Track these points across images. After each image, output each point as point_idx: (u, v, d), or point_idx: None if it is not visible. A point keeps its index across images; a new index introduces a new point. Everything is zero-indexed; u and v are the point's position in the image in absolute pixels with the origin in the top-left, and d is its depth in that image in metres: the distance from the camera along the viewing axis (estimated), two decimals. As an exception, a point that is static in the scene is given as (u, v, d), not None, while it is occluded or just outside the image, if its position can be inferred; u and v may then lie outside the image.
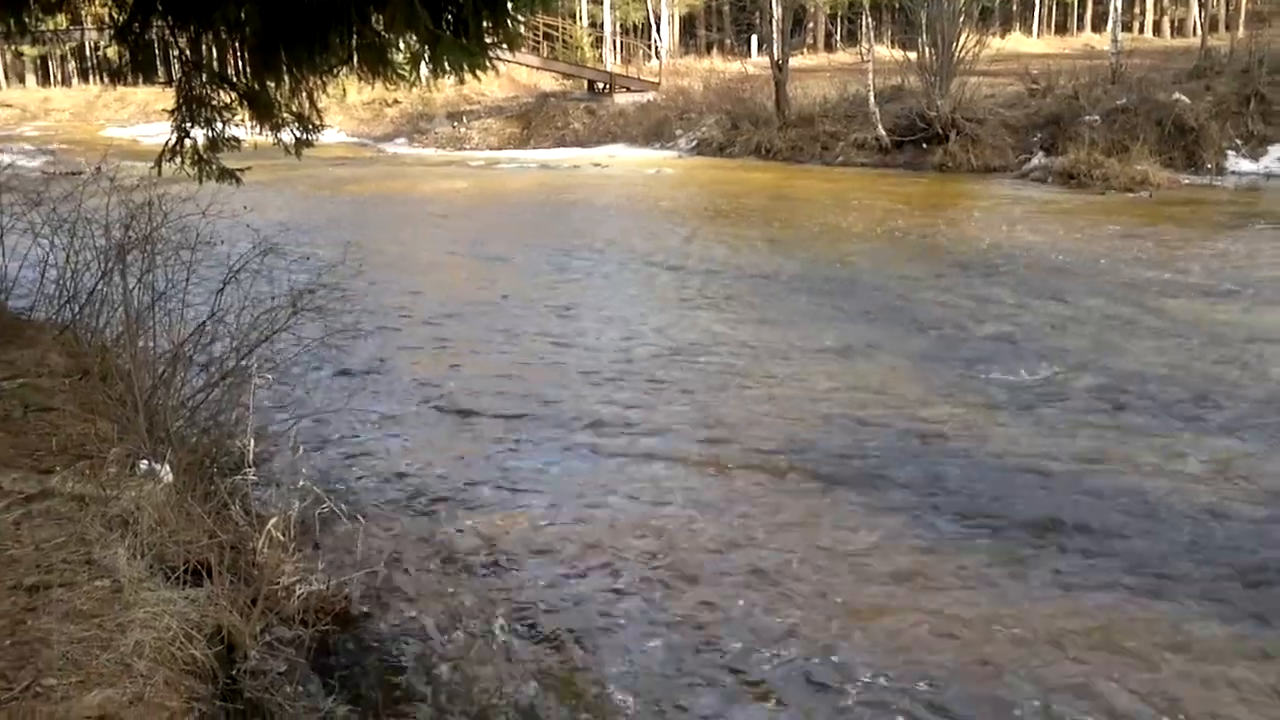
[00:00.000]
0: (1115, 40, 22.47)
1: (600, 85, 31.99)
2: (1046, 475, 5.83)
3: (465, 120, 32.48)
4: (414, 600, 4.74)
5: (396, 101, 33.98)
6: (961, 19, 20.91)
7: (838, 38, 46.81)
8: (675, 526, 5.33)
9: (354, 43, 7.17)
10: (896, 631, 4.33)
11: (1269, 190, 16.46)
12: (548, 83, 33.39)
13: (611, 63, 38.13)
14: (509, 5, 6.63)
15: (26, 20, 7.50)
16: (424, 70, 7.21)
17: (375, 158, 27.41)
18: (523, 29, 7.09)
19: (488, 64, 6.77)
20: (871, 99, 21.69)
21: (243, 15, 6.84)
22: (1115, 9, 23.59)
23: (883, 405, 7.02)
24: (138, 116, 37.25)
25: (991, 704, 3.84)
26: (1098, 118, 18.58)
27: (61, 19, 8.01)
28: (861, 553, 5.01)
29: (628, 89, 31.50)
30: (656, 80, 31.98)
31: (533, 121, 31.35)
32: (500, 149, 29.55)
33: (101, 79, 44.03)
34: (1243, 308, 9.32)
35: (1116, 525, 5.21)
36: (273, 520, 4.46)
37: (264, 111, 8.04)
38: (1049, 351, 8.11)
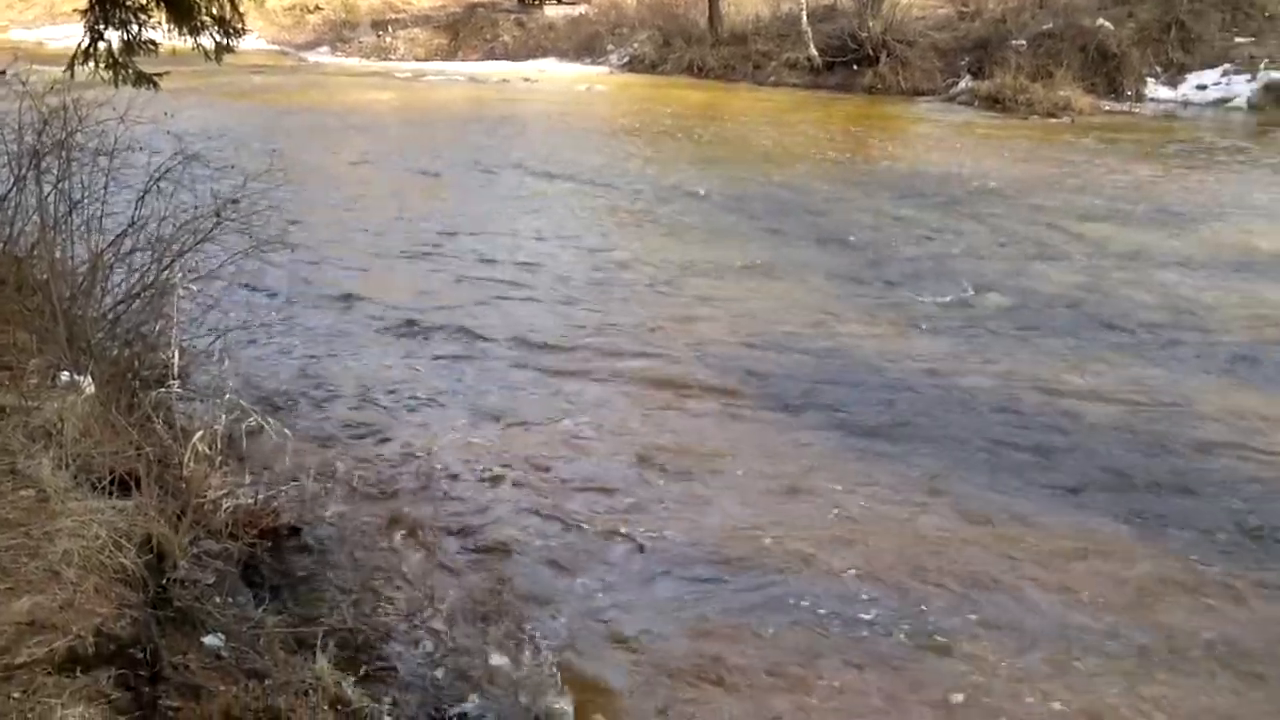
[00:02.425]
0: (1044, -36, 22.53)
1: (530, -4, 31.29)
2: (957, 391, 6.04)
3: (391, 29, 31.53)
4: (341, 514, 4.80)
5: (319, 8, 32.89)
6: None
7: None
8: (594, 441, 5.46)
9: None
10: (789, 545, 4.50)
11: (1185, 118, 16.83)
12: (477, -8, 32.56)
13: (542, -27, 37.31)
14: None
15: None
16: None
17: (297, 66, 26.58)
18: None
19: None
20: (804, 18, 21.55)
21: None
22: (1045, -68, 23.61)
23: (804, 323, 7.17)
24: (44, 18, 35.50)
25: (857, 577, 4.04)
26: (1024, 42, 18.73)
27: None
28: (765, 461, 5.19)
29: (559, 1, 30.86)
30: (588, -8, 31.37)
31: (460, 33, 30.56)
32: (427, 60, 28.81)
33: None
34: (1153, 231, 9.61)
35: (1022, 437, 5.44)
36: (198, 434, 4.45)
37: (182, 13, 7.78)
38: (968, 273, 8.31)
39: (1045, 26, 18.99)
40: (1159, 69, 18.33)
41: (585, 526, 4.65)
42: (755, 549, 4.44)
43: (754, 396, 6.00)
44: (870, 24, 20.15)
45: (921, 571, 4.27)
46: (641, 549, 4.47)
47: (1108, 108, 17.23)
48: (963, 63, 19.53)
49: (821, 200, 11.10)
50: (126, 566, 3.01)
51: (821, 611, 4.01)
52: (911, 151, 14.21)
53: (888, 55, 19.91)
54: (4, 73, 9.12)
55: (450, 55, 29.40)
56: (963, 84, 18.75)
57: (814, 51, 21.17)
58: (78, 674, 2.39)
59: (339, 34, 32.23)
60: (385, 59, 29.46)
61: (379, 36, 31.64)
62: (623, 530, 4.60)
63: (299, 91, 20.54)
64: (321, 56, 29.79)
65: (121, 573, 2.98)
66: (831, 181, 12.14)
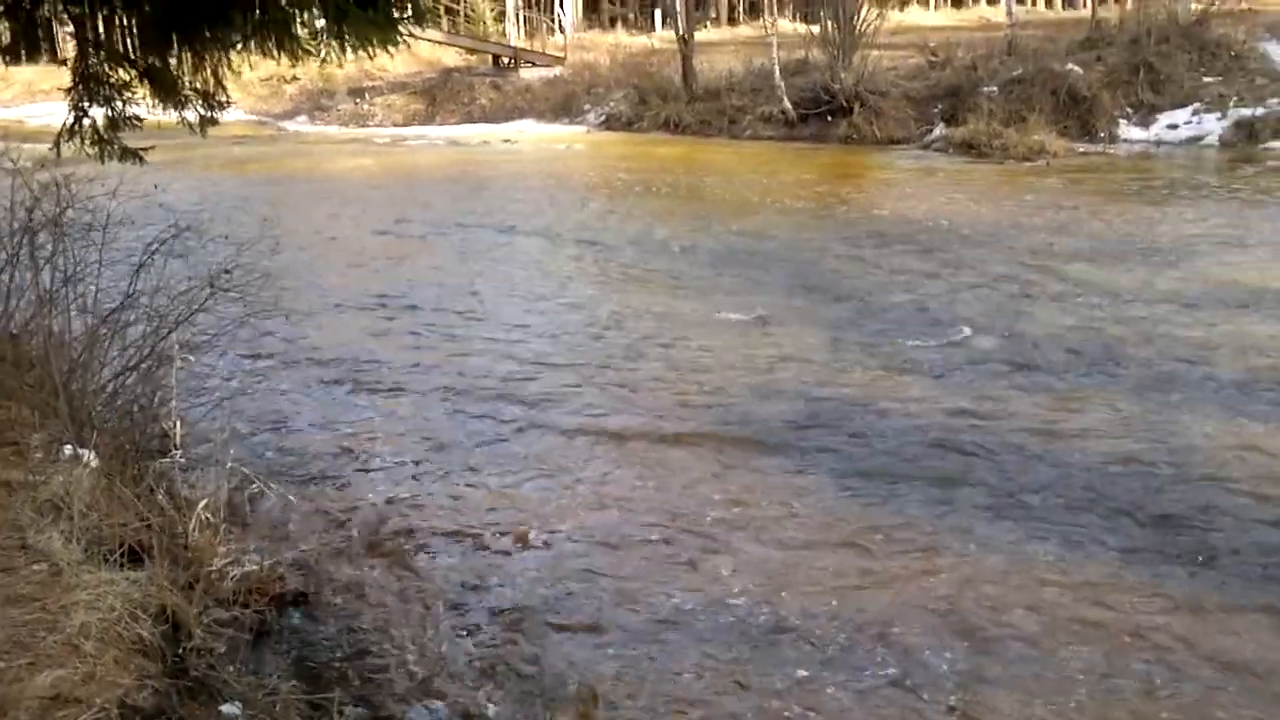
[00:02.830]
0: (1010, 13, 23.07)
1: (505, 60, 31.71)
2: (956, 433, 6.06)
3: (368, 97, 31.87)
4: (347, 577, 4.76)
5: (295, 78, 33.16)
6: (861, -7, 21.27)
7: (741, 11, 47.01)
8: (587, 497, 5.43)
9: (257, 17, 7.05)
10: (805, 587, 4.49)
11: (1159, 157, 17.14)
12: (451, 58, 32.94)
13: (515, 37, 37.79)
14: (419, -22, 6.60)
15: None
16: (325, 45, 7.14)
17: (277, 136, 26.80)
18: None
19: (398, 39, 6.74)
20: (777, 73, 21.94)
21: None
22: (1012, -18, 24.20)
23: (799, 373, 7.20)
24: (22, 97, 35.73)
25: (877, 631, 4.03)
26: (995, 89, 19.11)
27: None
28: (774, 513, 5.16)
29: (533, 64, 31.29)
30: (562, 55, 31.81)
31: (438, 97, 30.94)
32: (405, 125, 29.13)
33: (-18, 58, 42.07)
34: (1137, 269, 9.74)
35: (1023, 478, 5.45)
36: (202, 502, 4.43)
37: (166, 89, 7.85)
38: (957, 317, 8.38)
39: (1015, 72, 19.39)
40: (1130, 110, 18.69)
41: (589, 585, 4.61)
42: (772, 605, 4.41)
43: (751, 447, 6.00)
44: (842, 76, 20.52)
45: (951, 624, 4.25)
46: (645, 607, 4.44)
47: (1082, 149, 17.55)
48: (936, 110, 19.88)
49: (805, 250, 11.21)
50: (144, 637, 2.98)
51: (841, 669, 3.99)
52: (891, 199, 14.39)
53: (861, 106, 20.26)
54: (-15, 152, 9.14)
55: (428, 119, 29.72)
56: (937, 131, 19.07)
57: (788, 104, 21.52)
58: (103, 748, 2.36)
59: (316, 103, 32.53)
60: (364, 125, 29.76)
61: (356, 104, 31.96)
62: (628, 589, 4.57)
63: (280, 160, 20.68)
64: (300, 125, 30.07)
65: (139, 644, 2.95)
66: (813, 231, 12.28)
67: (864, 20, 21.10)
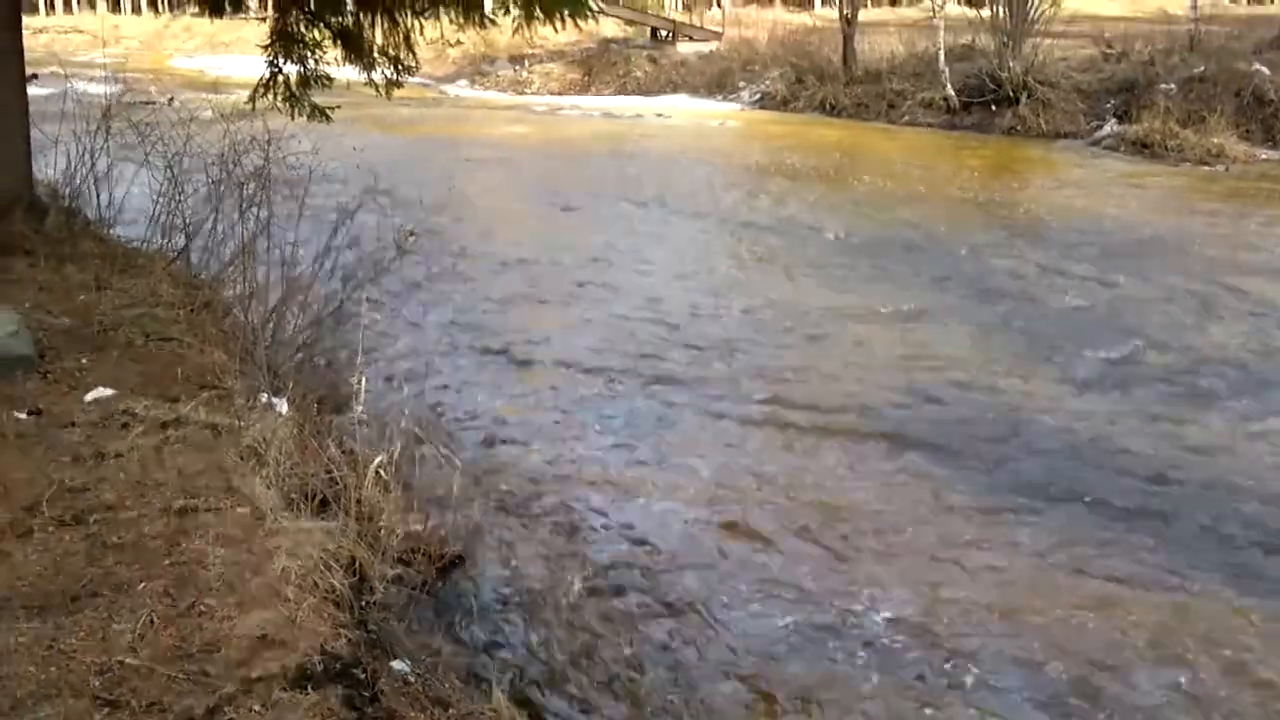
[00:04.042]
0: (1194, 6, 21.86)
1: (663, 33, 31.68)
2: (1124, 454, 5.84)
3: (527, 64, 32.28)
4: (502, 545, 4.89)
5: (459, 42, 33.83)
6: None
7: (905, -8, 45.88)
8: (746, 484, 5.45)
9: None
10: (963, 607, 4.42)
11: (1350, 169, 16.09)
12: (610, 28, 33.04)
13: (675, 10, 37.74)
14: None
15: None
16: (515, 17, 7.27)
17: (439, 99, 27.43)
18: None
19: (589, 12, 6.84)
20: (941, 58, 21.32)
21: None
22: (1197, -26, 22.93)
23: (958, 375, 7.04)
24: (204, 48, 37.49)
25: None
26: (1174, 86, 18.17)
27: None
28: (927, 520, 5.08)
29: (690, 38, 31.18)
30: (720, 30, 31.61)
31: (594, 68, 31.12)
32: (561, 94, 29.42)
33: (171, 8, 44.31)
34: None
35: (1198, 509, 5.22)
36: (377, 459, 4.61)
37: (357, 50, 8.15)
38: (1125, 328, 8.05)
39: (1196, 70, 18.39)
40: (1322, 116, 17.56)
41: (737, 576, 4.64)
42: (919, 618, 4.37)
43: (905, 449, 5.91)
44: (1010, 64, 19.82)
45: (1100, 650, 4.14)
46: (787, 597, 4.44)
47: (1265, 156, 16.55)
48: (1108, 106, 19.03)
49: (965, 246, 10.93)
50: (335, 587, 3.14)
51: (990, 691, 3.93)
52: (1057, 197, 13.89)
53: (1028, 96, 19.53)
54: (171, 100, 9.65)
55: (584, 90, 29.95)
56: (1108, 128, 18.26)
57: (951, 91, 20.91)
58: (309, 690, 2.51)
59: (477, 68, 33.11)
60: (521, 93, 30.17)
61: (515, 71, 32.43)
62: (769, 577, 4.58)
63: (444, 124, 21.19)
64: (461, 90, 30.67)
65: (332, 593, 3.11)
66: (974, 227, 11.96)
67: (1036, 7, 20.30)
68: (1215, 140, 16.43)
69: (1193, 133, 16.77)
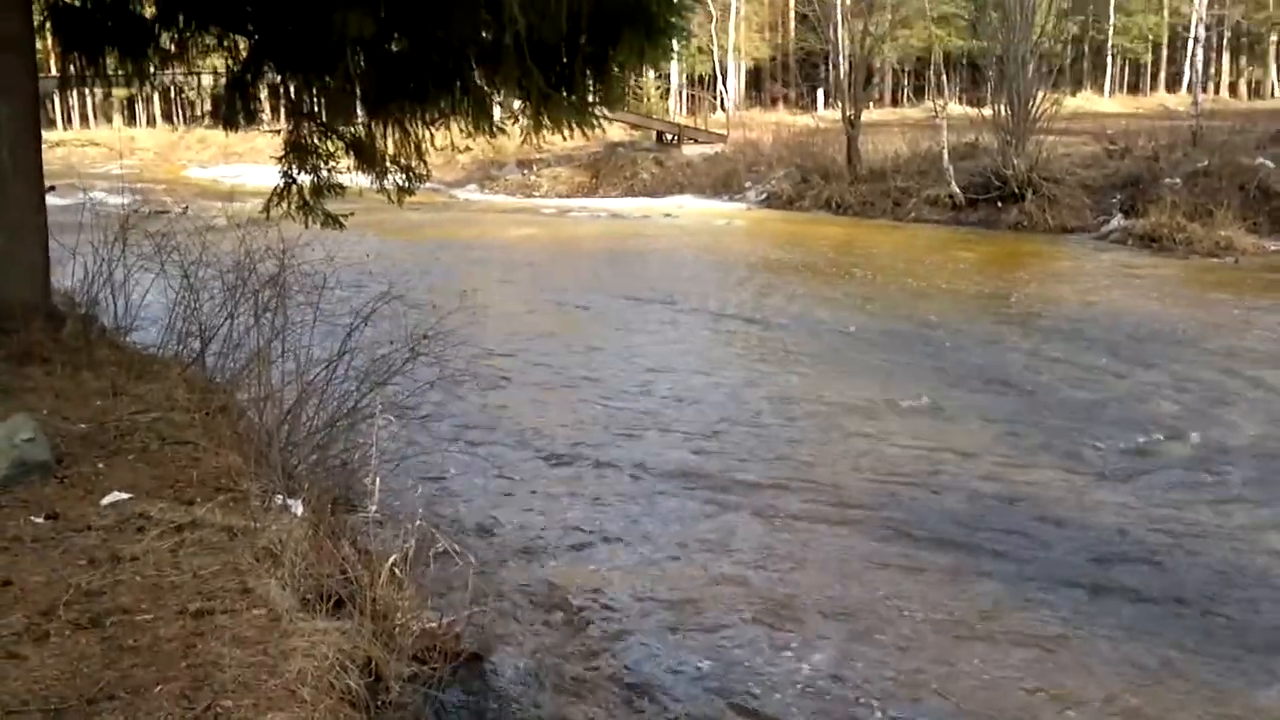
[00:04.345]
0: (1196, 102, 22.30)
1: (668, 136, 32.40)
2: (1144, 545, 5.78)
3: (535, 168, 32.97)
4: (521, 643, 4.83)
5: (469, 148, 34.57)
6: (1036, 76, 20.91)
7: (907, 92, 46.97)
8: (762, 581, 5.38)
9: (458, 98, 7.44)
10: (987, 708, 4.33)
11: (1357, 258, 16.20)
12: (616, 133, 33.81)
13: (679, 114, 38.62)
14: (615, 68, 6.87)
15: (148, 69, 7.86)
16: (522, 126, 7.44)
17: (449, 203, 27.92)
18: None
19: (594, 122, 7.00)
20: (945, 155, 21.73)
21: (360, 69, 7.14)
22: (1196, 70, 23.48)
23: (972, 468, 7.01)
24: (218, 158, 38.36)
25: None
26: (1179, 180, 18.43)
27: (178, 68, 8.35)
28: (948, 619, 4.98)
29: (695, 140, 31.87)
30: (724, 132, 32.32)
31: (601, 170, 31.77)
32: (569, 197, 29.96)
33: (184, 120, 45.50)
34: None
35: (1218, 599, 5.14)
36: (392, 557, 4.58)
37: (370, 160, 8.33)
38: (1141, 418, 8.04)
39: (1201, 165, 18.68)
40: (1327, 209, 17.75)
41: (756, 664, 4.57)
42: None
43: (924, 543, 5.83)
44: (1015, 161, 20.17)
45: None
46: (826, 696, 4.37)
47: (1273, 248, 16.70)
48: (1114, 200, 19.30)
49: (976, 340, 10.98)
50: (352, 688, 3.10)
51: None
52: (1066, 290, 13.99)
53: (1033, 192, 19.84)
54: (185, 209, 9.84)
55: (591, 192, 30.52)
56: (1115, 222, 18.48)
57: (956, 188, 21.26)
58: (325, 797, 2.45)
59: (486, 172, 33.82)
60: (530, 196, 30.73)
61: (524, 175, 33.10)
62: (803, 676, 4.50)
63: (455, 227, 21.55)
64: (471, 194, 31.26)
65: (348, 694, 3.06)
66: (985, 320, 12.02)
67: (1038, 105, 20.74)
68: (1223, 233, 16.62)
69: (1200, 226, 16.98)
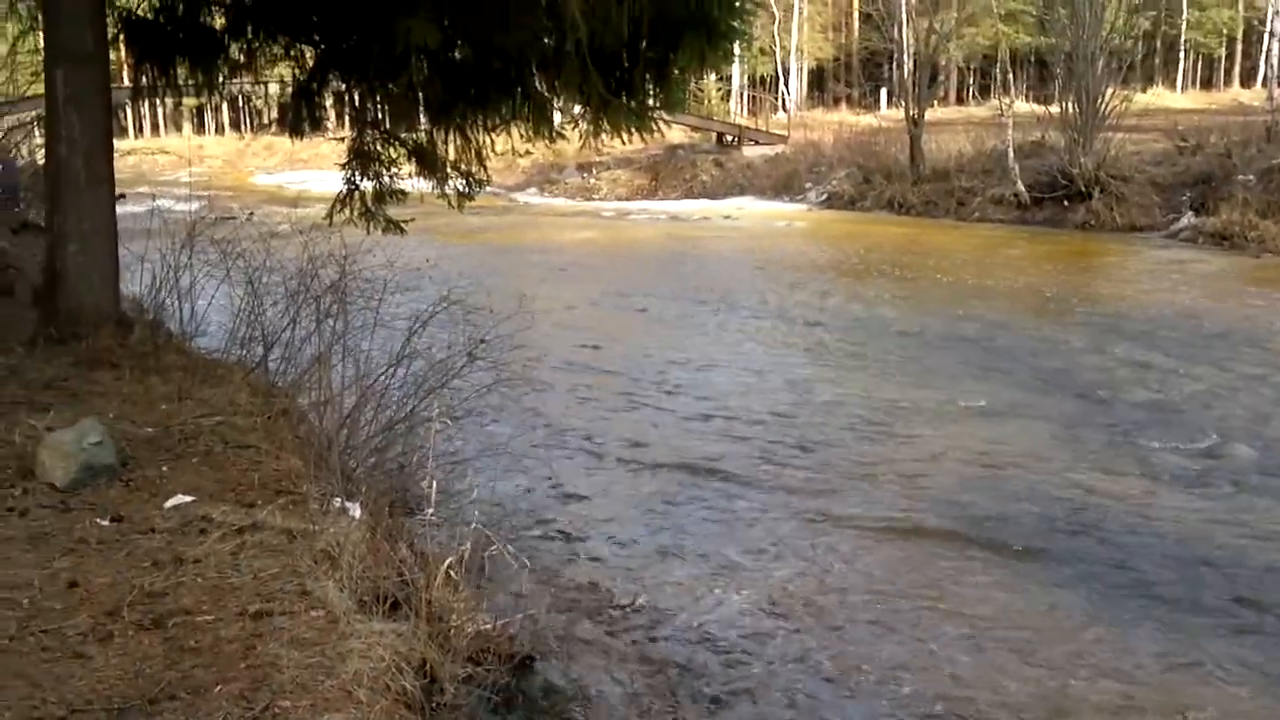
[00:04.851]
0: (1271, 97, 21.72)
1: (729, 138, 32.33)
2: (1214, 549, 5.65)
3: (594, 171, 33.11)
4: (574, 646, 4.85)
5: (529, 152, 34.88)
6: (1105, 72, 20.51)
7: (972, 90, 46.33)
8: (821, 585, 5.34)
9: (520, 104, 7.49)
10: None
11: None
12: (676, 135, 33.80)
13: (739, 115, 38.51)
14: (675, 72, 6.87)
15: (217, 79, 8.02)
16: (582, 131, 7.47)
17: (509, 207, 28.14)
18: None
19: (653, 126, 7.00)
20: (1010, 154, 21.40)
21: (423, 77, 7.23)
22: (1271, 64, 22.85)
23: (1036, 471, 6.90)
24: (284, 164, 39.12)
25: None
26: (1252, 177, 17.96)
27: (246, 77, 8.51)
28: (1011, 625, 4.91)
29: (756, 142, 31.76)
30: (785, 133, 32.17)
31: (660, 173, 31.80)
32: (629, 200, 30.03)
33: (252, 128, 46.46)
34: None
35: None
36: (448, 560, 4.63)
37: (431, 166, 8.42)
38: (1208, 421, 7.86)
39: (1275, 161, 18.19)
40: (1406, 205, 17.19)
41: (820, 675, 4.53)
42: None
43: (986, 547, 5.77)
44: (1082, 159, 19.81)
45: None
46: (877, 698, 4.33)
47: (1349, 246, 16.24)
48: (1184, 198, 18.88)
49: (1041, 341, 10.80)
50: (407, 689, 3.13)
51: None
52: (1134, 290, 13.70)
53: (1101, 191, 19.47)
54: (250, 215, 10.00)
55: (651, 194, 30.56)
56: (1185, 220, 18.08)
57: (1021, 187, 20.94)
58: (377, 797, 2.49)
59: (546, 176, 34.02)
60: (589, 199, 30.86)
61: (583, 178, 33.25)
62: (855, 682, 4.47)
63: (514, 231, 21.71)
64: (530, 197, 31.46)
65: (403, 696, 3.10)
66: (1050, 321, 11.82)
67: (1107, 101, 20.33)
68: (1297, 231, 16.18)
69: (1274, 224, 16.54)
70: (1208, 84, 43.79)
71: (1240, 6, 41.50)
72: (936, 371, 9.61)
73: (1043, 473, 6.86)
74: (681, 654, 4.75)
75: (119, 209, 6.66)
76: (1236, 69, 43.98)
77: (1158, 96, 35.13)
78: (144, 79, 7.58)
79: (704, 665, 4.65)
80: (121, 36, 7.40)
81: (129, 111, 47.51)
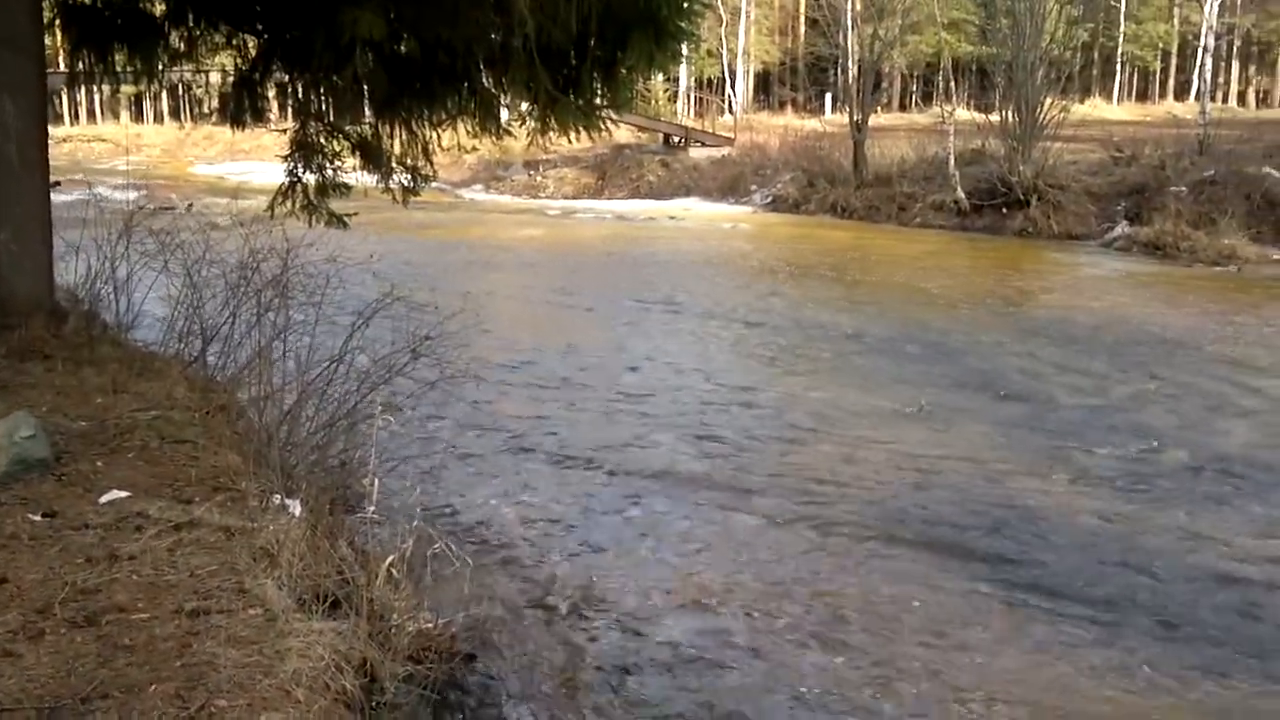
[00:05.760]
0: (1204, 111, 22.28)
1: (675, 139, 32.42)
2: (1138, 553, 5.78)
3: (541, 169, 33.02)
4: (515, 645, 4.85)
5: (475, 149, 34.71)
6: (1044, 83, 20.91)
7: (915, 97, 46.95)
8: (754, 583, 5.39)
9: (466, 100, 7.45)
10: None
11: (1362, 268, 16.19)
12: (623, 135, 33.80)
13: (686, 117, 38.63)
14: (623, 71, 6.87)
15: (156, 66, 7.87)
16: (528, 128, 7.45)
17: (455, 203, 27.96)
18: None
19: (601, 125, 7.00)
20: (951, 161, 21.73)
21: (368, 69, 7.15)
22: (1204, 79, 23.45)
23: (969, 474, 7.01)
24: (224, 154, 38.49)
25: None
26: (1184, 189, 18.44)
27: (187, 65, 8.35)
28: (935, 624, 5.00)
29: (702, 143, 31.89)
30: (731, 135, 32.34)
31: (607, 172, 31.80)
32: (575, 198, 30.00)
33: (191, 118, 45.64)
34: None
35: (1215, 610, 5.15)
36: (389, 558, 4.59)
37: (375, 160, 8.34)
38: (1139, 426, 8.04)
39: (1207, 173, 18.69)
40: (1333, 218, 17.75)
41: (746, 675, 4.57)
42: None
43: (920, 549, 5.85)
44: (1021, 168, 20.17)
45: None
46: (813, 702, 4.38)
47: (1277, 256, 16.70)
48: (1119, 208, 19.31)
49: (978, 345, 10.98)
50: (347, 688, 3.11)
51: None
52: (1069, 297, 13.99)
53: (1039, 199, 19.84)
54: (190, 206, 9.84)
55: (597, 193, 30.55)
56: (1119, 229, 18.49)
57: (961, 194, 21.26)
58: (316, 797, 2.46)
59: (492, 173, 33.86)
60: (535, 196, 30.77)
61: (530, 175, 33.14)
62: (792, 683, 4.52)
63: (460, 227, 21.56)
64: (476, 194, 31.29)
65: (343, 695, 3.08)
66: (987, 326, 12.02)
67: (1046, 111, 20.73)
68: (1227, 241, 16.64)
69: (1204, 234, 17.00)
70: (1143, 96, 44.86)
71: (1176, 21, 42.54)
72: (876, 375, 9.73)
73: (969, 473, 6.98)
74: (618, 649, 4.76)
75: (54, 197, 6.51)
76: (1171, 82, 45.09)
77: (1095, 108, 35.90)
78: (80, 64, 7.42)
79: (642, 658, 4.66)
80: (58, 20, 7.24)
81: (65, 98, 46.35)
